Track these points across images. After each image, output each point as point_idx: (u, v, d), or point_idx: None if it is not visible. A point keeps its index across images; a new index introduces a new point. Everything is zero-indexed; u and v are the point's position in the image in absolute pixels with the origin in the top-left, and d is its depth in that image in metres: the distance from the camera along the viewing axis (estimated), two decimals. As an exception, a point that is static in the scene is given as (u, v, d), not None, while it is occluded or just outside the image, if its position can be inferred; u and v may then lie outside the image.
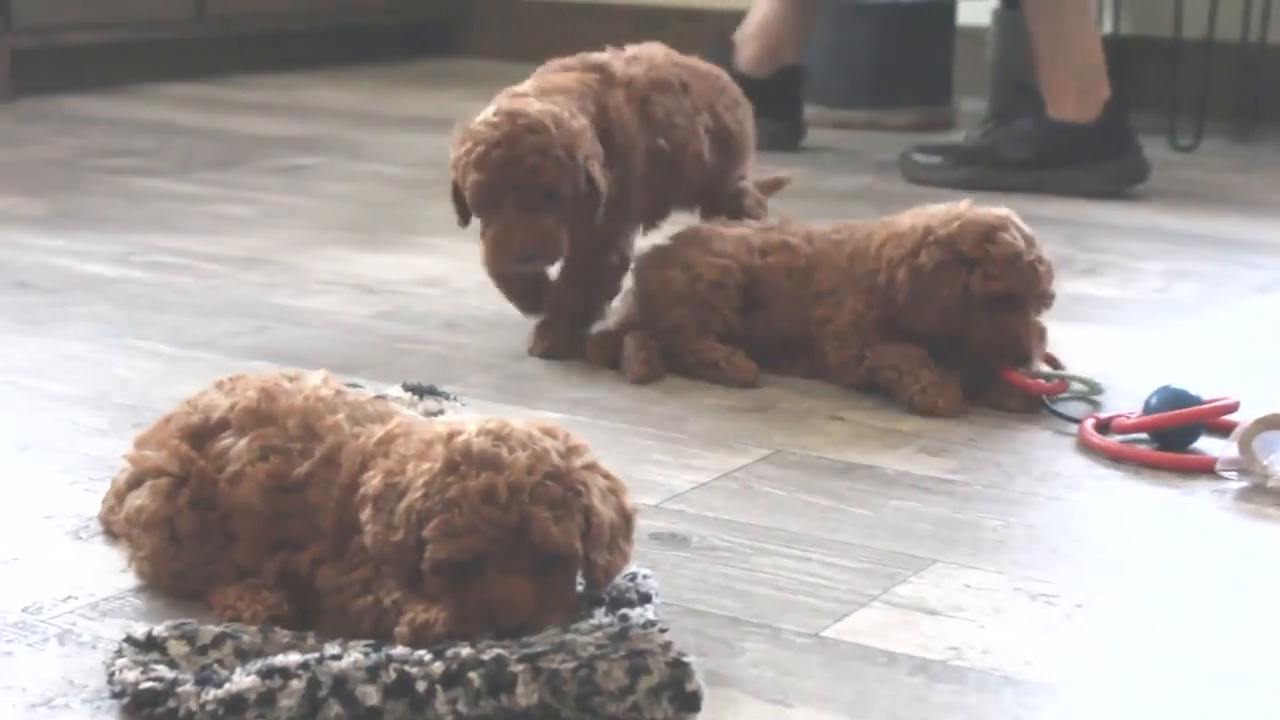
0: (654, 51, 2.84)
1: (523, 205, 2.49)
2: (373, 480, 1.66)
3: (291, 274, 3.23)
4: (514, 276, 2.68)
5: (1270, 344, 2.95)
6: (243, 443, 1.75)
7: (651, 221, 2.87)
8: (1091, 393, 2.53)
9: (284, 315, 2.94)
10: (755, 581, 1.88)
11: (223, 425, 1.77)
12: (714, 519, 2.06)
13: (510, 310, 2.77)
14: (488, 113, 2.53)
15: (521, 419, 1.66)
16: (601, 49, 2.78)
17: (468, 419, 1.70)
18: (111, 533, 1.92)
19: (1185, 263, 3.52)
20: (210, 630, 1.62)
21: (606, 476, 1.68)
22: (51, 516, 1.98)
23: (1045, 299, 2.52)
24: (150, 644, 1.60)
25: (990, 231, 2.50)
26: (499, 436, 1.63)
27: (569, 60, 2.73)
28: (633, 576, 1.70)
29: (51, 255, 3.33)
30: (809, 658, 1.69)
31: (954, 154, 4.38)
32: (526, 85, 2.65)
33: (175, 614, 1.69)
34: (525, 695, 1.51)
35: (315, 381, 1.81)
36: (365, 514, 1.64)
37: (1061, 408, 2.48)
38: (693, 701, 1.51)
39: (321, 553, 1.70)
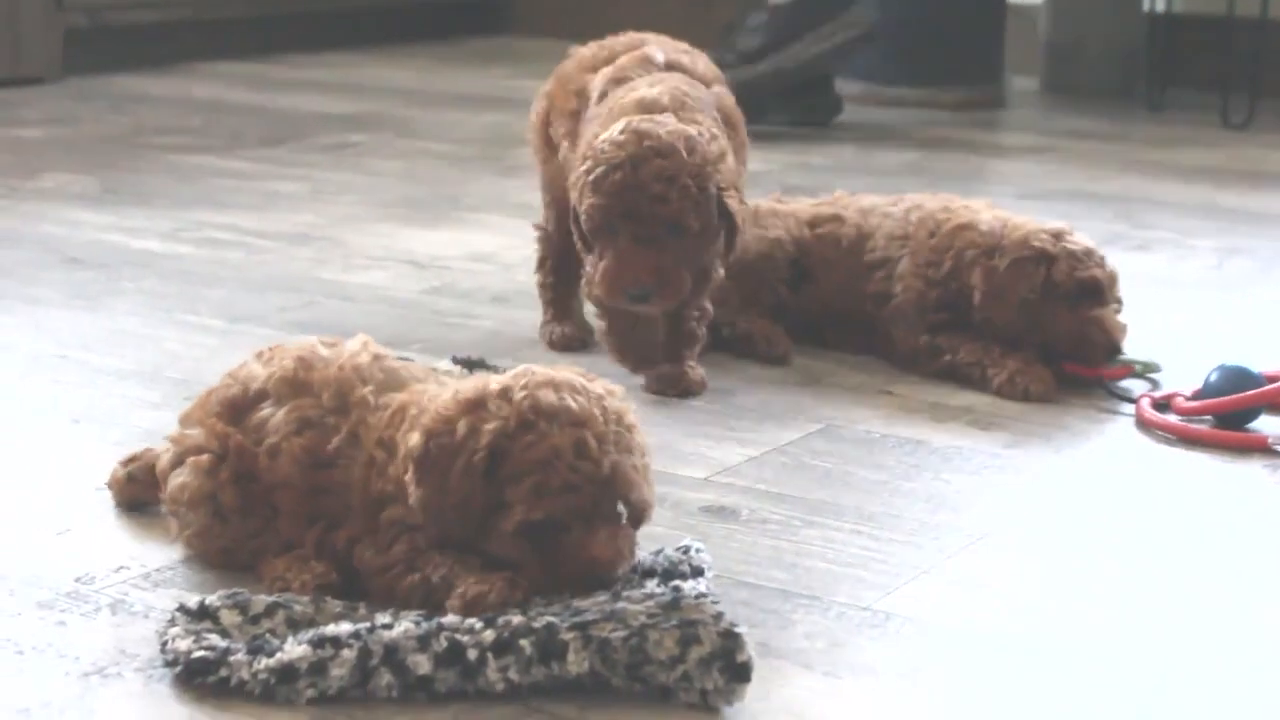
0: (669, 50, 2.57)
1: (641, 237, 2.24)
2: (411, 439, 1.64)
3: (341, 249, 3.23)
4: (621, 313, 2.37)
5: (1324, 320, 2.93)
6: (280, 414, 1.75)
7: None
8: (1150, 372, 2.51)
9: (333, 290, 2.94)
10: (806, 554, 1.87)
11: (261, 396, 1.78)
12: (765, 492, 2.05)
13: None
14: (614, 130, 2.26)
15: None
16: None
17: (482, 377, 1.70)
18: (121, 501, 1.94)
19: (1238, 240, 3.50)
20: (262, 600, 1.63)
21: None
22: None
23: (1117, 301, 2.52)
24: (203, 613, 1.61)
25: (1060, 232, 2.51)
26: (556, 387, 1.62)
27: (625, 61, 2.50)
28: (685, 549, 1.70)
29: (102, 232, 3.34)
30: (860, 630, 1.69)
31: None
32: (658, 92, 2.35)
33: (226, 584, 1.70)
34: (576, 663, 1.50)
35: (354, 348, 1.79)
36: (408, 476, 1.63)
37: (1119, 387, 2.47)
38: (743, 672, 1.50)
39: (355, 532, 1.69)
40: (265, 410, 1.76)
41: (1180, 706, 1.56)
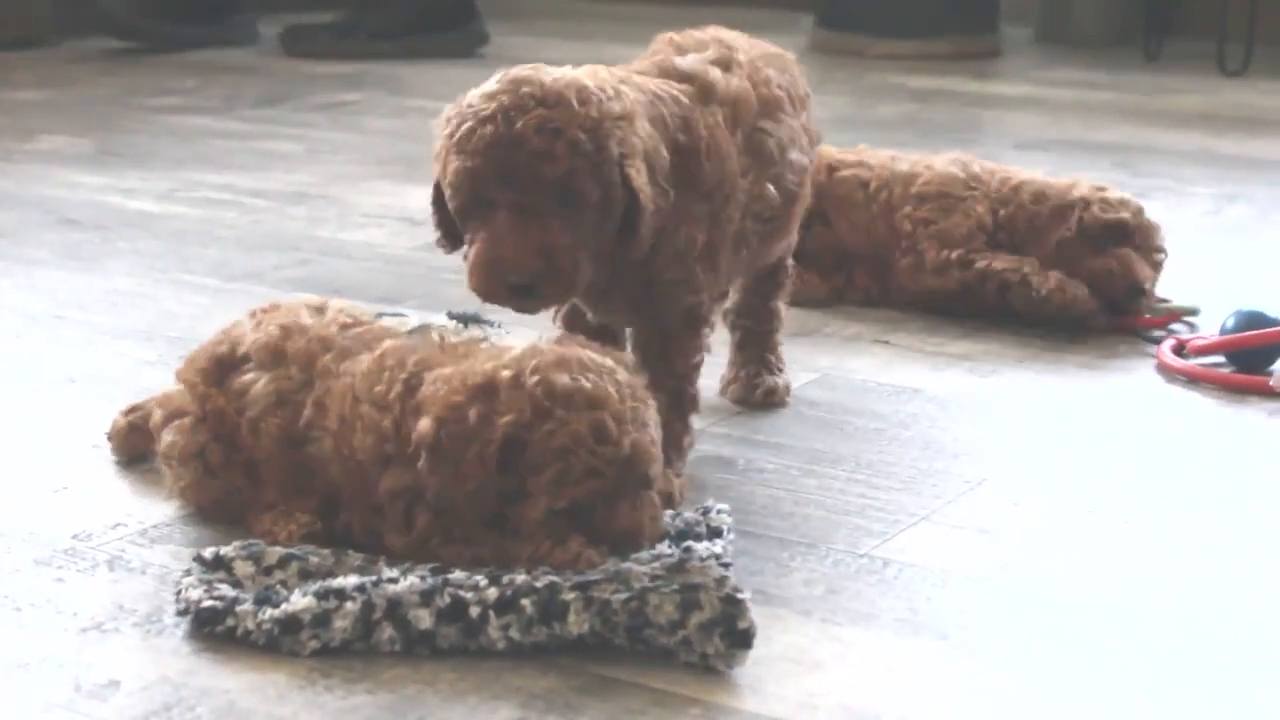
0: (736, 42, 2.04)
1: (523, 208, 1.72)
2: (422, 425, 1.62)
3: (337, 208, 3.23)
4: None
5: (1322, 265, 2.93)
6: (260, 384, 1.74)
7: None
8: (1188, 315, 2.54)
9: (330, 248, 2.94)
10: (803, 503, 1.87)
11: (245, 360, 1.77)
12: (761, 442, 2.05)
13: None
14: (488, 81, 1.78)
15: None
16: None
17: (504, 346, 1.69)
18: (122, 450, 1.95)
19: (1235, 186, 3.49)
20: (276, 551, 1.63)
21: None
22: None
23: (1157, 251, 2.58)
24: (217, 563, 1.61)
25: (1102, 187, 2.60)
26: (567, 367, 1.60)
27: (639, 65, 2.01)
28: (705, 510, 1.70)
29: (98, 193, 3.34)
30: (858, 577, 1.69)
31: (333, 30, 5.02)
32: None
33: (223, 539, 1.70)
34: (576, 624, 1.50)
35: (328, 316, 1.78)
36: (420, 464, 1.61)
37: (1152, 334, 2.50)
38: (744, 639, 1.49)
39: (358, 511, 1.67)
40: (248, 376, 1.76)
41: (1181, 647, 1.56)
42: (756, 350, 2.18)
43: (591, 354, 1.63)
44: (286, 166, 3.59)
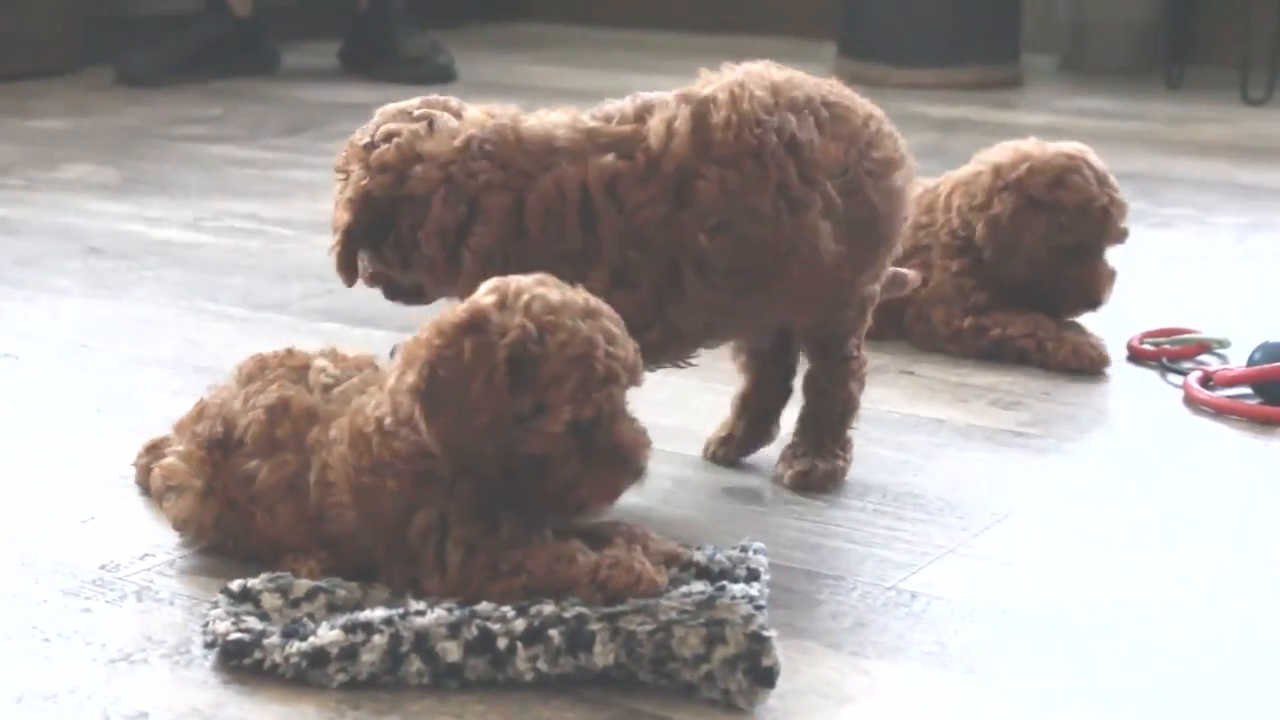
0: (758, 78, 1.90)
1: None
2: (406, 379, 1.59)
3: (361, 237, 3.23)
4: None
5: (1347, 296, 2.93)
6: (263, 475, 1.71)
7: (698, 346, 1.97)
8: (1220, 348, 2.52)
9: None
10: (830, 535, 1.87)
11: (240, 444, 1.74)
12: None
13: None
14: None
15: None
16: (668, 17, 2.55)
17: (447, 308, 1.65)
18: (145, 486, 1.94)
19: (1259, 215, 3.49)
20: (304, 584, 1.63)
21: None
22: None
23: (1119, 237, 2.51)
24: (245, 596, 1.61)
25: (1061, 175, 2.50)
26: (544, 283, 1.60)
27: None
28: (745, 549, 1.69)
29: (122, 221, 3.34)
30: (886, 610, 1.69)
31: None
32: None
33: (251, 571, 1.69)
34: (602, 655, 1.50)
35: (312, 379, 1.74)
36: (416, 414, 1.58)
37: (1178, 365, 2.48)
38: (768, 676, 1.49)
39: (401, 570, 1.64)
40: (251, 465, 1.73)
41: (1208, 682, 1.56)
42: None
43: (543, 275, 1.63)
44: (310, 195, 3.60)
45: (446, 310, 1.63)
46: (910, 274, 2.20)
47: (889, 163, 1.92)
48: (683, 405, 2.21)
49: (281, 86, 5.10)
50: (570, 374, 1.56)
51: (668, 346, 1.90)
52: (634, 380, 1.60)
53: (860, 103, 1.94)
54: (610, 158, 1.83)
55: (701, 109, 1.85)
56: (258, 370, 1.79)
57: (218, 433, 1.76)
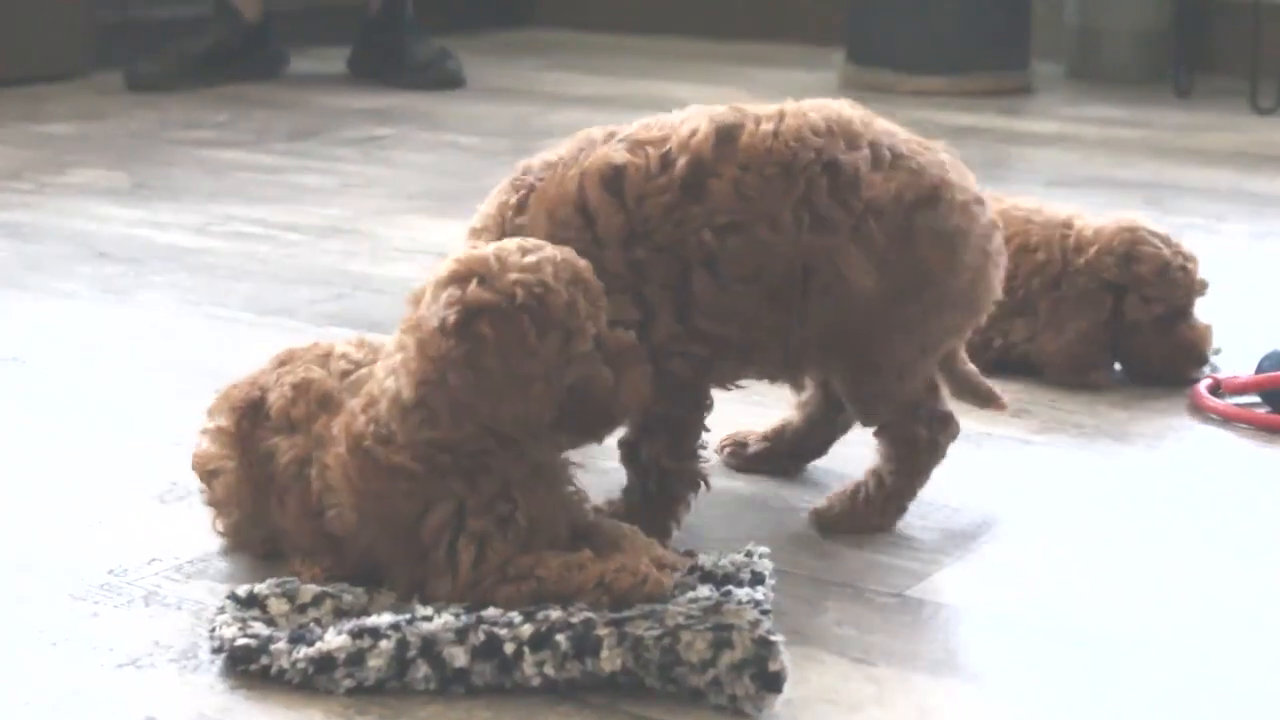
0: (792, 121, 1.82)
1: None
2: (401, 369, 1.61)
3: (369, 242, 3.24)
4: None
5: (1356, 304, 2.92)
6: (281, 449, 1.71)
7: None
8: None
9: (362, 283, 2.94)
10: (837, 541, 1.87)
11: (267, 417, 1.74)
12: (794, 481, 2.05)
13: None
14: None
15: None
16: (678, 23, 2.50)
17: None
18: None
19: (1268, 224, 3.49)
20: (310, 589, 1.63)
21: None
22: (135, 481, 1.99)
23: (1202, 290, 2.48)
24: (252, 601, 1.61)
25: (1130, 249, 2.44)
26: (478, 248, 1.65)
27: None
28: (750, 554, 1.69)
29: (131, 226, 3.35)
30: (892, 617, 1.69)
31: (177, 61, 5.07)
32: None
33: (258, 575, 1.70)
34: (609, 660, 1.50)
35: (333, 365, 1.75)
36: (444, 414, 1.59)
37: None
38: (774, 681, 1.49)
39: (407, 573, 1.64)
40: (272, 441, 1.73)
41: (1215, 691, 1.56)
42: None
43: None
44: (319, 200, 3.60)
45: (418, 316, 1.61)
46: (1000, 399, 2.05)
47: (954, 229, 1.82)
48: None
49: (290, 92, 5.11)
50: (577, 294, 1.61)
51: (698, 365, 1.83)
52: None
53: (935, 161, 1.85)
54: (615, 149, 1.80)
55: (740, 118, 1.82)
56: (289, 356, 1.80)
57: (254, 396, 1.76)
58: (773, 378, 1.93)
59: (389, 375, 1.63)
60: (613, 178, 1.78)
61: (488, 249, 1.63)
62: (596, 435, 1.69)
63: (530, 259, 1.61)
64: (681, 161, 1.78)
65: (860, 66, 5.18)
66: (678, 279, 1.77)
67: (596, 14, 6.53)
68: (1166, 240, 2.47)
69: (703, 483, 1.86)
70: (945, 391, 1.97)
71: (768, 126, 1.80)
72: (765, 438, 2.08)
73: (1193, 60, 5.16)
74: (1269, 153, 4.30)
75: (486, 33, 6.42)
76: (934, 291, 1.82)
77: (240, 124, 4.56)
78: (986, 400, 2.04)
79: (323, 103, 4.93)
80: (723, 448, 2.09)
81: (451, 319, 1.58)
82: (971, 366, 2.03)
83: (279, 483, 1.71)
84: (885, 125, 1.87)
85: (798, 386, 1.98)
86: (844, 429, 2.05)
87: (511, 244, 1.63)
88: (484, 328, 1.57)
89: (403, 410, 1.61)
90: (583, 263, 1.64)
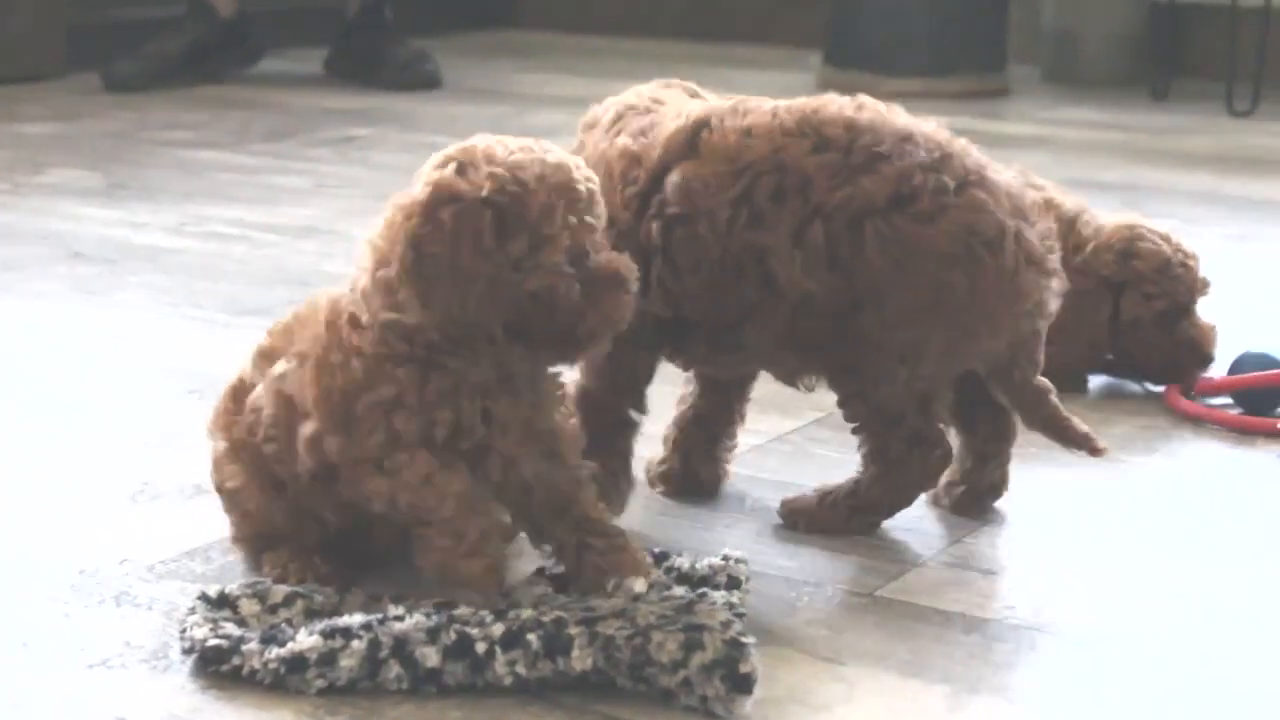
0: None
1: None
2: (396, 262, 1.57)
3: (345, 243, 3.23)
4: None
5: (1331, 307, 2.93)
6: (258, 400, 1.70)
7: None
8: None
9: (338, 283, 2.93)
10: (809, 542, 1.87)
11: (247, 390, 1.73)
12: (768, 480, 2.05)
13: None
14: None
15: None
16: (657, 25, 2.56)
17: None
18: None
19: (1244, 226, 3.50)
20: (281, 590, 1.63)
21: None
22: (108, 481, 1.99)
23: (1204, 290, 2.45)
24: (223, 602, 1.61)
25: (1129, 246, 2.42)
26: (486, 138, 1.61)
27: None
28: (726, 559, 1.69)
29: (107, 226, 3.34)
30: (863, 617, 1.69)
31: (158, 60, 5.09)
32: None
33: (230, 576, 1.70)
34: (580, 659, 1.50)
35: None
36: (401, 295, 1.57)
37: None
38: (745, 683, 1.48)
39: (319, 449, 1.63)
40: (254, 393, 1.72)
41: (1193, 688, 1.56)
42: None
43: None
44: (295, 201, 3.60)
45: (400, 194, 1.60)
46: (1096, 442, 1.92)
47: (909, 237, 1.78)
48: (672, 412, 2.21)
49: (267, 92, 5.10)
50: (558, 201, 1.56)
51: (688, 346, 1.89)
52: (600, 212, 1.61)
53: (926, 164, 1.81)
54: (615, 141, 1.86)
55: (715, 115, 1.85)
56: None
57: (234, 383, 1.75)
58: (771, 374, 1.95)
59: (376, 266, 1.60)
60: (615, 160, 1.84)
61: (491, 140, 1.60)
62: (563, 354, 1.63)
63: (517, 157, 1.57)
64: (654, 155, 1.83)
65: (838, 69, 5.19)
66: (642, 266, 1.75)
67: (576, 16, 6.54)
68: (1166, 237, 2.45)
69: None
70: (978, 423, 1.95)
71: (734, 123, 1.83)
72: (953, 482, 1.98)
73: (1169, 63, 5.17)
74: (1245, 155, 4.31)
75: (464, 34, 6.42)
76: (895, 303, 1.79)
77: (217, 124, 4.55)
78: (1076, 443, 1.91)
79: (300, 103, 4.92)
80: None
81: (419, 200, 1.57)
82: (1058, 407, 1.91)
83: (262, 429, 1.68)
84: (902, 124, 1.85)
85: (792, 384, 1.95)
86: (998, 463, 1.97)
87: (515, 141, 1.59)
88: (444, 215, 1.55)
89: (366, 290, 1.60)
90: (583, 174, 1.59)
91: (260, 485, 1.71)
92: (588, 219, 1.58)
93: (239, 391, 1.74)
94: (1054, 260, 1.85)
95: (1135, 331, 2.42)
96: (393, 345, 1.59)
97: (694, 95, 1.96)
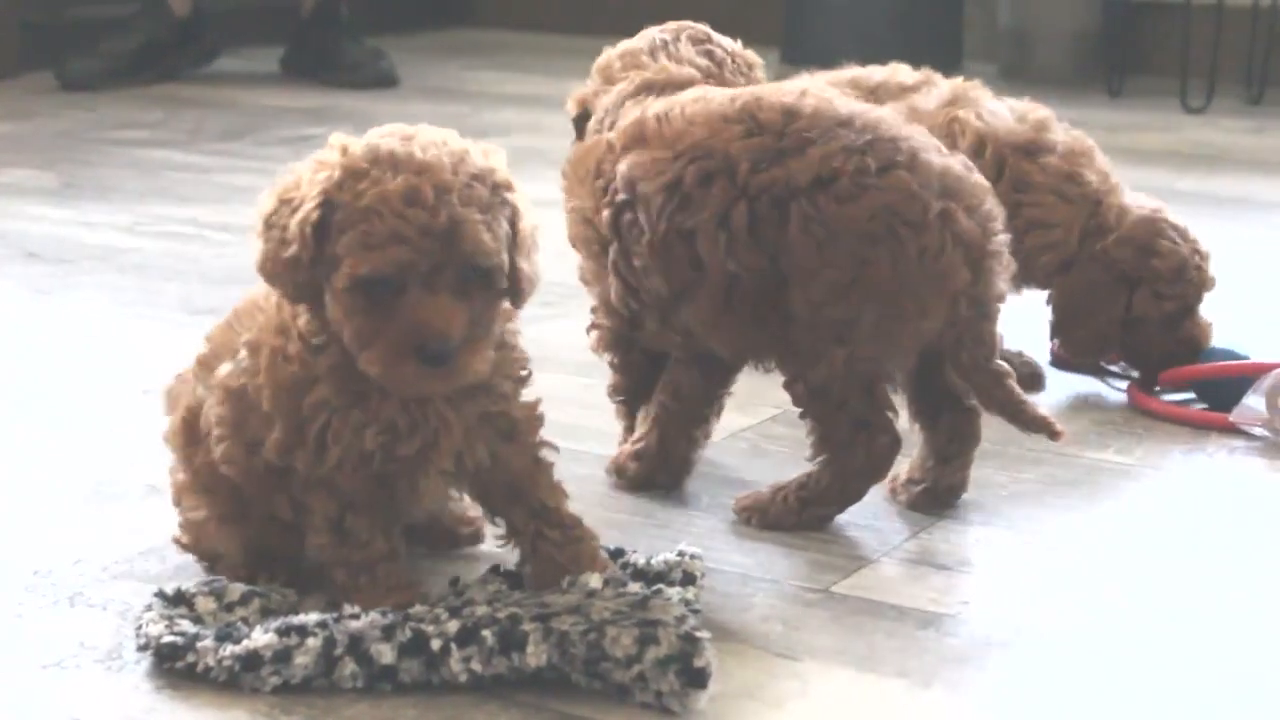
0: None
1: None
2: (263, 199, 1.54)
3: (301, 242, 3.22)
4: None
5: (1283, 302, 2.94)
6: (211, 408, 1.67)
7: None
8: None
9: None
10: (764, 538, 1.88)
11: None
12: (723, 477, 2.05)
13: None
14: None
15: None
16: (612, 23, 2.58)
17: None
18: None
19: (1199, 222, 3.48)
20: (238, 588, 1.63)
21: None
22: (61, 481, 1.98)
23: (1211, 288, 2.44)
24: (179, 599, 1.61)
25: (1150, 242, 2.40)
26: (406, 137, 1.51)
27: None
28: (681, 555, 1.69)
29: (61, 226, 3.33)
30: (818, 612, 1.69)
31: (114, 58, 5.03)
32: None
33: (185, 576, 1.69)
34: (535, 655, 1.50)
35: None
36: (258, 234, 1.53)
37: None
38: (699, 678, 1.49)
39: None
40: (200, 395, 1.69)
41: (1152, 682, 1.57)
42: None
43: (454, 136, 1.54)
44: (250, 200, 3.53)
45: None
46: (1054, 427, 1.89)
47: (831, 217, 1.80)
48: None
49: (222, 91, 5.08)
50: (355, 226, 1.47)
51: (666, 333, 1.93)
52: (453, 252, 1.47)
53: (855, 147, 1.81)
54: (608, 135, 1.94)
55: (665, 106, 1.92)
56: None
57: (184, 415, 1.71)
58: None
59: None
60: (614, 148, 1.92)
61: (390, 137, 1.51)
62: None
63: (368, 168, 1.48)
64: (619, 145, 1.91)
65: (795, 67, 5.15)
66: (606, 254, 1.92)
67: (531, 14, 6.52)
68: (1185, 234, 2.44)
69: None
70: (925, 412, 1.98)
71: (679, 111, 1.89)
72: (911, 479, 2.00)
73: (1124, 61, 5.19)
74: (1200, 152, 4.33)
75: (420, 32, 6.40)
76: (820, 281, 1.81)
77: (172, 123, 4.53)
78: (1034, 427, 1.89)
79: (255, 102, 4.91)
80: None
81: (317, 159, 1.54)
82: (1014, 390, 1.88)
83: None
84: (845, 110, 1.86)
85: (742, 365, 1.99)
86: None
87: (394, 144, 1.49)
88: (305, 173, 1.52)
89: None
90: (414, 213, 1.46)
91: (222, 518, 1.69)
92: (394, 251, 1.47)
93: (190, 424, 1.69)
94: (996, 242, 1.85)
95: (1139, 327, 2.41)
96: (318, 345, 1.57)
97: (703, 40, 2.09)
